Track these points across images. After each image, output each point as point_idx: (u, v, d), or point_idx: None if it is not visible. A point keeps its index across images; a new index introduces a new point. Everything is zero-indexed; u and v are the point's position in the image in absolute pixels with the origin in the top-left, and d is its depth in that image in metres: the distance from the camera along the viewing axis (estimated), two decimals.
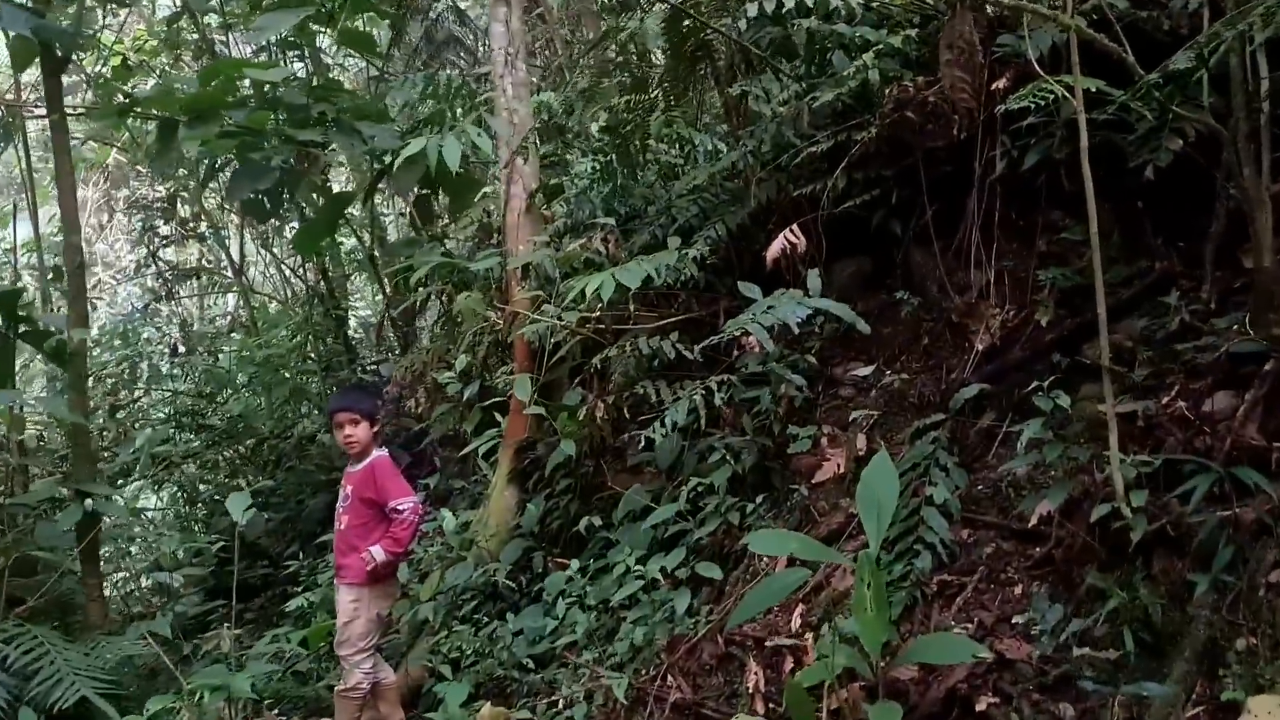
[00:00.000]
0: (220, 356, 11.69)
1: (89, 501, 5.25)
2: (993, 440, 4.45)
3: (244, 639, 7.56)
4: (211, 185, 11.93)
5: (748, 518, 4.86)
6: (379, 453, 5.56)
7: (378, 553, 5.31)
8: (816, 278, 4.62)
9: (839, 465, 4.74)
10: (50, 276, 9.79)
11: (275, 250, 12.31)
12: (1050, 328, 4.58)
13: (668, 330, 5.73)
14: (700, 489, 5.11)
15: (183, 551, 9.40)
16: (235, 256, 12.83)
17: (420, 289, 7.62)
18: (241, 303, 12.83)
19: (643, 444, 5.99)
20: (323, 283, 11.86)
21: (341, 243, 11.07)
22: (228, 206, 11.90)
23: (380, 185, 9.75)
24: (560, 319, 5.88)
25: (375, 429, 5.56)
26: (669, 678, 4.36)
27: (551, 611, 5.58)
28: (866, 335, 5.21)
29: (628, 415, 5.67)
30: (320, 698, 6.26)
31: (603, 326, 5.89)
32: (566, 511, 6.25)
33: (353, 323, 12.83)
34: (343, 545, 5.53)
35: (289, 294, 13.15)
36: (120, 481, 10.32)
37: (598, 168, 6.50)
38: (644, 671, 4.57)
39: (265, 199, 7.36)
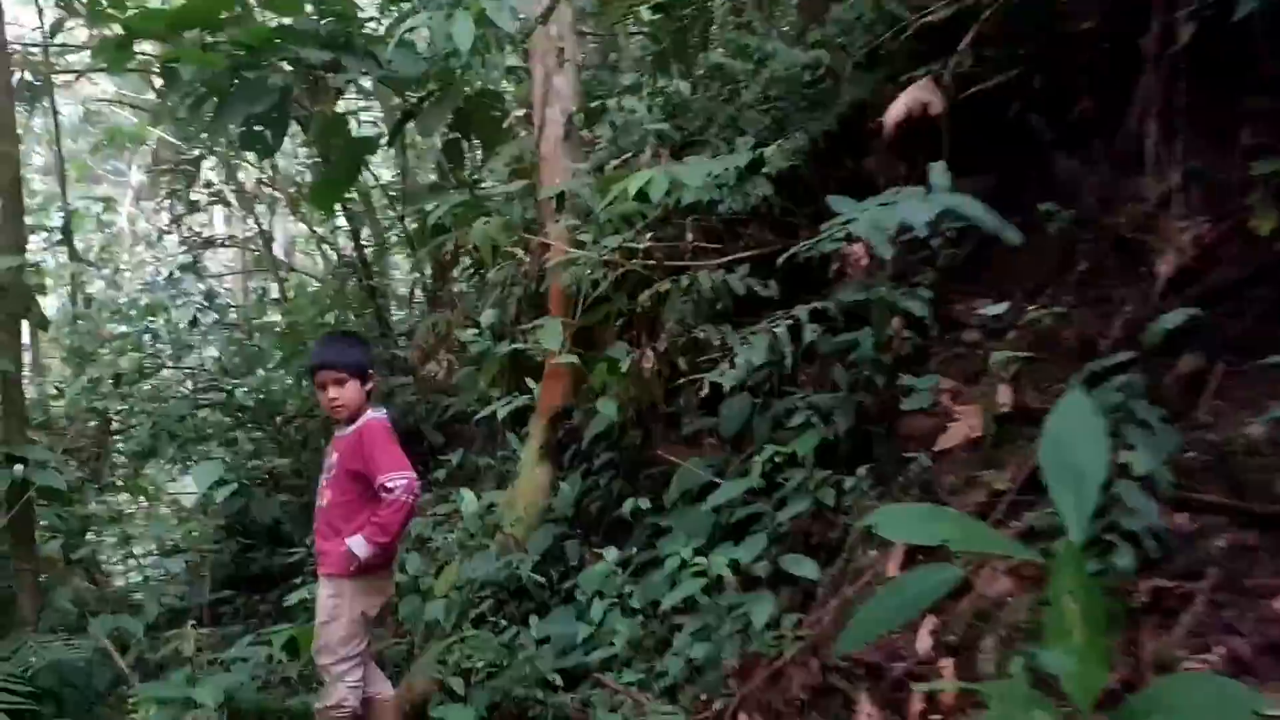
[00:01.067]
0: (247, 329, 10.45)
1: (19, 468, 4.04)
2: (1198, 390, 3.04)
3: (227, 640, 6.32)
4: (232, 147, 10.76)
5: (846, 496, 3.50)
6: (372, 414, 4.26)
7: (358, 546, 4.01)
8: (943, 172, 3.24)
9: (972, 427, 3.36)
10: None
11: (304, 213, 11.07)
12: (1277, 238, 3.16)
13: (733, 267, 4.38)
14: (779, 460, 3.75)
15: (191, 536, 8.20)
16: (266, 226, 11.64)
17: (442, 236, 6.32)
18: (271, 274, 11.62)
19: (700, 407, 4.68)
20: (356, 253, 10.62)
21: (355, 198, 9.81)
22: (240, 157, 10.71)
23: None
24: (600, 254, 4.54)
25: (368, 387, 4.26)
26: (742, 715, 3.01)
27: (586, 615, 4.25)
28: (996, 265, 3.83)
29: (684, 368, 4.32)
30: (310, 713, 4.98)
31: (653, 262, 4.54)
32: (608, 491, 4.92)
33: (393, 306, 11.60)
34: (324, 527, 4.24)
35: (323, 265, 11.92)
36: (143, 462, 9.16)
37: (647, 80, 5.15)
38: (706, 702, 3.23)
39: (265, 130, 6.09)
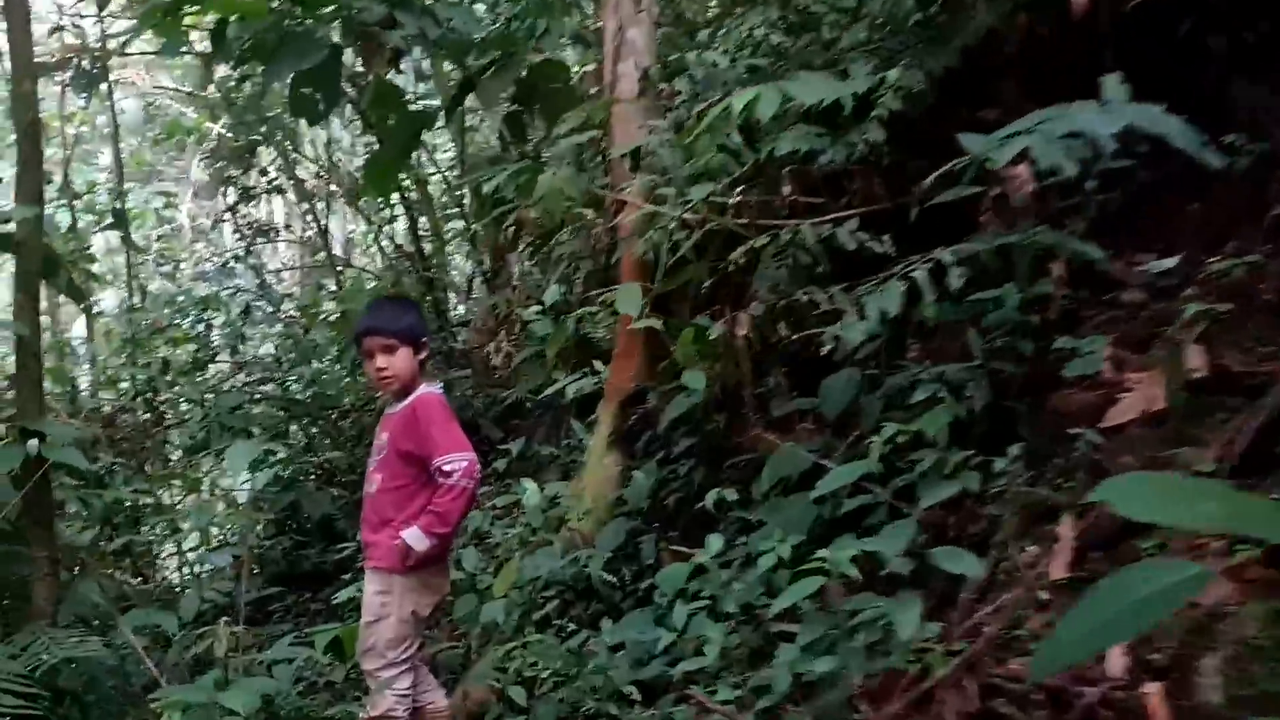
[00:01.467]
0: (301, 321, 9.98)
1: (33, 443, 3.53)
2: None
3: (274, 639, 5.79)
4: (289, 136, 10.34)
5: (993, 482, 2.86)
6: (427, 388, 3.70)
7: (415, 539, 3.44)
8: (1118, 84, 2.60)
9: (1150, 398, 2.72)
10: None
11: (363, 206, 10.59)
12: None
13: (839, 222, 3.76)
14: (901, 441, 3.12)
15: (239, 528, 7.71)
16: (323, 221, 11.20)
17: (502, 208, 5.76)
18: (328, 268, 11.16)
19: (793, 387, 4.06)
20: (413, 243, 10.13)
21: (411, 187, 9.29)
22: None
23: None
24: (684, 211, 3.94)
25: (421, 356, 3.70)
26: None
27: (667, 619, 3.64)
28: (1159, 214, 3.17)
29: (785, 336, 3.70)
30: None
31: (744, 221, 3.93)
32: (688, 482, 4.30)
33: (452, 300, 11.09)
34: (371, 516, 3.68)
35: (380, 260, 11.45)
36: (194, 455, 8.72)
37: (733, 25, 4.54)
38: None
39: (316, 93, 5.57)
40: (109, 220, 8.88)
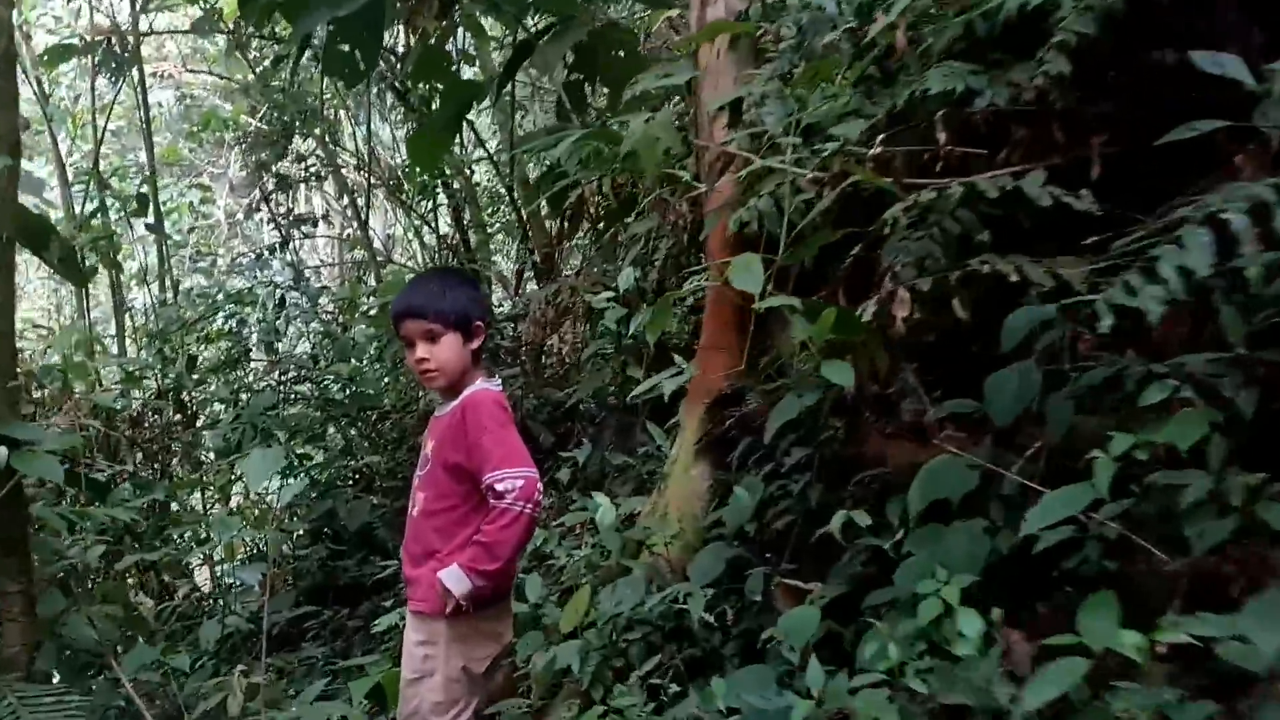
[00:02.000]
0: (339, 317, 9.21)
1: (2, 450, 2.76)
2: None
3: (306, 666, 5.01)
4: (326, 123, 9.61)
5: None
6: (483, 385, 2.89)
7: (454, 579, 2.66)
8: None
9: None
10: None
11: (406, 195, 9.82)
12: None
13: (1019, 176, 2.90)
14: (1136, 456, 2.27)
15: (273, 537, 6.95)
16: (363, 214, 10.45)
17: (563, 182, 4.94)
18: (368, 260, 10.40)
19: (933, 385, 3.23)
20: (457, 233, 9.36)
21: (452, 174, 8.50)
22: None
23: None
24: (801, 167, 3.10)
25: (473, 345, 2.91)
26: None
27: (797, 680, 2.81)
28: None
29: (963, 319, 2.84)
30: None
31: (886, 182, 3.07)
32: (803, 500, 3.46)
33: (497, 294, 10.30)
34: (413, 545, 2.87)
35: (421, 254, 10.69)
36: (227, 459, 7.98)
37: None
38: None
39: (353, 49, 4.79)
40: (134, 207, 8.12)
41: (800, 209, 3.15)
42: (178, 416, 7.32)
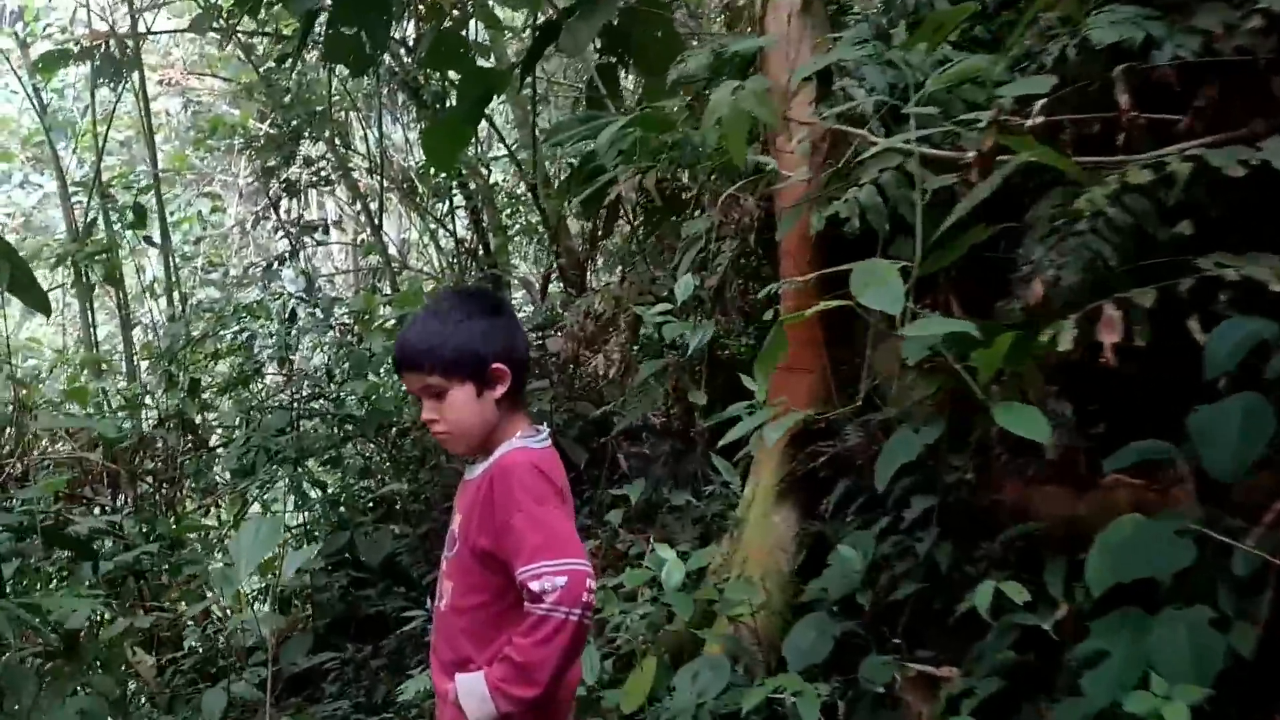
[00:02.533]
0: (354, 329, 8.48)
1: None
2: None
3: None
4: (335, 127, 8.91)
5: None
6: (519, 443, 2.13)
7: (474, 698, 1.93)
8: None
9: None
10: None
11: (420, 198, 9.08)
12: None
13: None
14: None
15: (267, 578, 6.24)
16: (376, 219, 9.72)
17: (604, 179, 4.20)
18: (383, 268, 9.68)
19: (1093, 420, 2.51)
20: (475, 237, 8.64)
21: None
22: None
23: None
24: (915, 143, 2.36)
25: (495, 392, 2.11)
26: None
27: None
28: None
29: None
30: None
31: (1069, 162, 2.32)
32: (929, 563, 2.74)
33: (517, 296, 9.57)
34: (442, 647, 2.08)
35: (437, 260, 9.98)
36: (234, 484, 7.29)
37: None
38: None
39: (360, 31, 4.07)
40: (132, 219, 7.43)
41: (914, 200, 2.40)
42: (189, 439, 6.61)
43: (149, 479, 6.29)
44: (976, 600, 2.39)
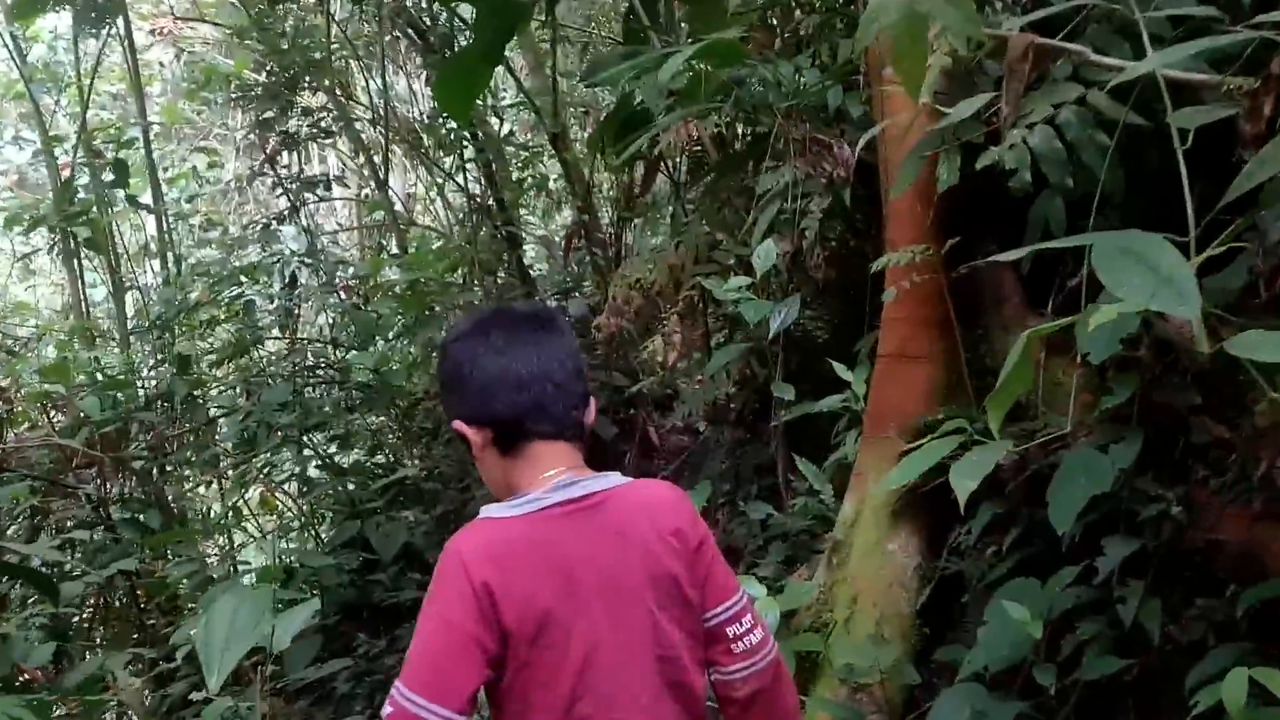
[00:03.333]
0: (360, 291, 7.71)
1: None
2: None
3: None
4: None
5: None
6: (484, 513, 1.45)
7: None
8: None
9: None
10: None
11: (426, 149, 8.25)
12: None
13: None
14: None
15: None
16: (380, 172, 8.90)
17: (647, 130, 3.43)
18: (390, 225, 8.88)
19: None
20: (489, 190, 7.83)
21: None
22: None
23: None
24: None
25: (483, 450, 1.47)
26: None
27: None
28: None
29: None
30: None
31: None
32: (1135, 627, 2.03)
33: (530, 252, 8.78)
34: None
35: (446, 217, 9.17)
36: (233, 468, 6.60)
37: None
38: None
39: None
40: (113, 178, 6.64)
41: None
42: (177, 422, 5.89)
43: (136, 464, 5.58)
44: (1223, 694, 1.69)
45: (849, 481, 2.82)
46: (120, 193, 6.64)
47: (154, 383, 5.75)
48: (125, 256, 10.16)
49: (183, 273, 8.07)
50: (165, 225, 8.52)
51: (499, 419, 1.43)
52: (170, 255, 8.51)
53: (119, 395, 5.80)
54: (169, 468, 5.66)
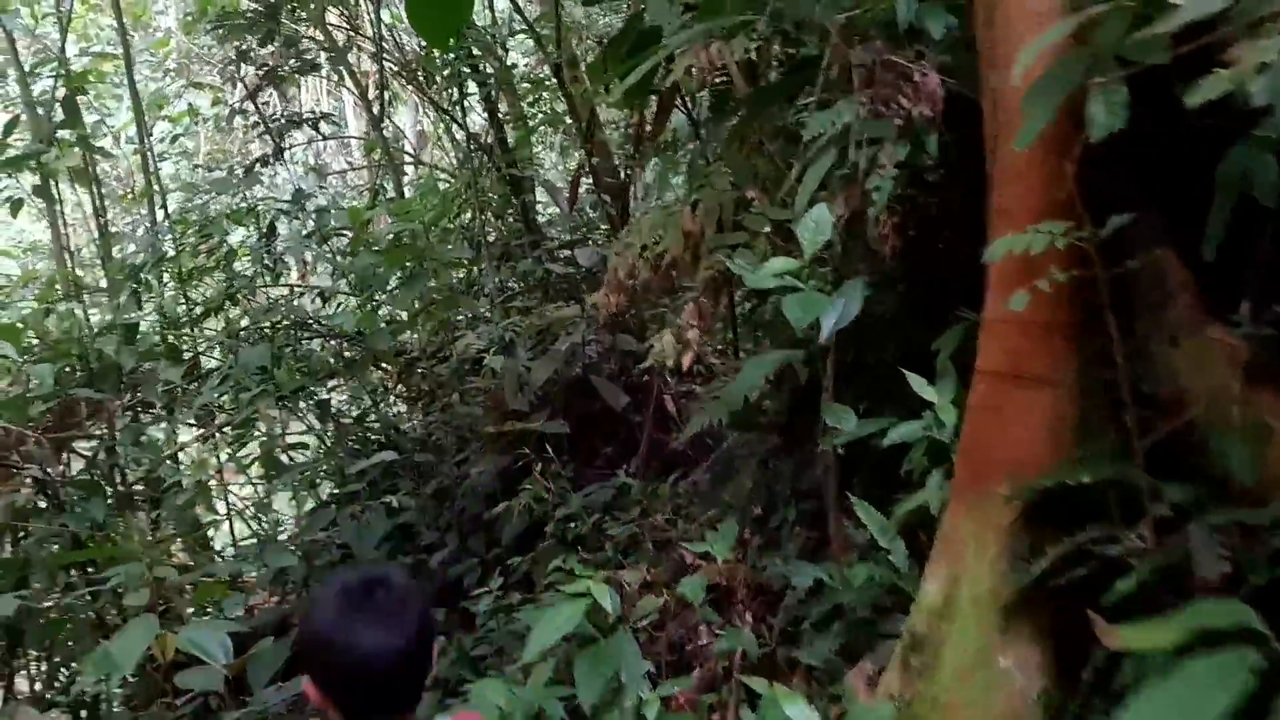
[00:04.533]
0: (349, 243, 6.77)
1: None
2: None
3: None
4: None
5: None
6: None
7: None
8: None
9: None
10: None
11: (427, 84, 7.27)
12: None
13: None
14: None
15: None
16: (375, 108, 7.94)
17: (664, 46, 2.50)
18: (388, 167, 7.94)
19: None
20: (492, 129, 6.91)
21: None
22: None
23: None
24: None
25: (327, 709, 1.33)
26: None
27: None
28: None
29: None
30: None
31: None
32: None
33: (543, 196, 7.81)
34: None
35: (452, 148, 8.20)
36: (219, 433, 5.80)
37: None
38: None
39: None
40: (61, 117, 5.73)
41: None
42: (128, 396, 5.06)
43: (84, 443, 4.79)
44: None
45: (933, 544, 1.96)
46: (67, 133, 5.71)
47: (110, 348, 4.93)
48: (116, 200, 9.29)
49: (166, 219, 7.22)
50: (151, 166, 7.64)
51: (350, 702, 1.36)
52: (157, 200, 7.64)
53: (70, 365, 4.99)
54: (117, 448, 4.85)
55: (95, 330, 5.13)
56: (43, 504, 4.59)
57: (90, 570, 4.35)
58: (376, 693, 1.34)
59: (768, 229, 2.47)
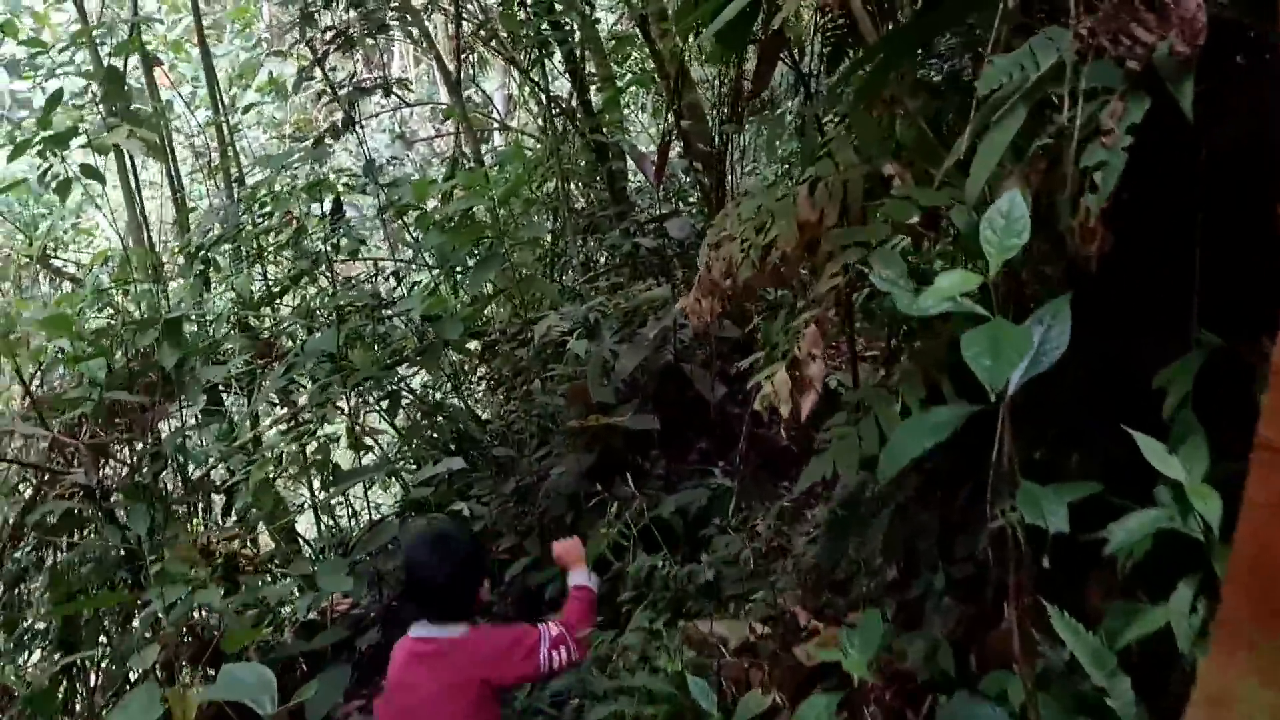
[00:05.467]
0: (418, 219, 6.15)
1: None
2: None
3: None
4: None
5: None
6: None
7: None
8: None
9: None
10: None
11: (505, 39, 6.65)
12: None
13: None
14: None
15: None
16: (453, 72, 7.35)
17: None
18: (465, 134, 7.38)
19: None
20: (576, 90, 6.30)
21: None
22: None
23: None
24: None
25: None
26: None
27: None
28: None
29: None
30: None
31: None
32: None
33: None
34: None
35: (540, 112, 7.59)
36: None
37: None
38: None
39: None
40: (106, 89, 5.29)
41: None
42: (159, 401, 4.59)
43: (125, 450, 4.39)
44: None
45: (1177, 699, 1.29)
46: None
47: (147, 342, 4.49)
48: (192, 175, 8.95)
49: (235, 196, 6.82)
50: (226, 139, 7.26)
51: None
52: (233, 173, 7.28)
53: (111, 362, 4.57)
54: (163, 453, 4.42)
55: (135, 323, 4.68)
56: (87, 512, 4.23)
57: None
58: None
59: (915, 219, 1.79)
